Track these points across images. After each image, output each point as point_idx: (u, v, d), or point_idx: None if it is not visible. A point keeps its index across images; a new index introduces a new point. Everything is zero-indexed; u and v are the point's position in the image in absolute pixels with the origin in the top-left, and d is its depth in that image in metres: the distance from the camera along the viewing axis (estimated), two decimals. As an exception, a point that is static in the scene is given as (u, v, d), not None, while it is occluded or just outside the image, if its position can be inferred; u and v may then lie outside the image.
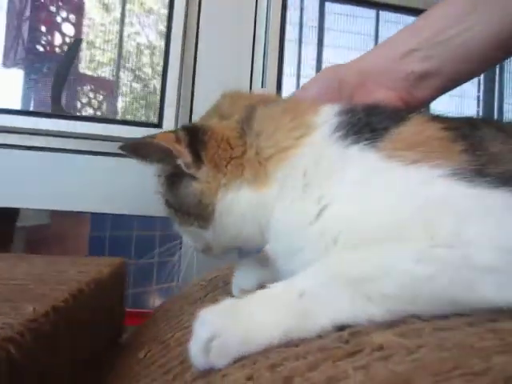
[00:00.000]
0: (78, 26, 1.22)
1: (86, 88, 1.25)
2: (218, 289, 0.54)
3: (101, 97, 1.24)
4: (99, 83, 1.22)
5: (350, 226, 0.31)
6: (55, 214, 1.36)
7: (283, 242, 0.36)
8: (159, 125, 0.83)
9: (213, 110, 0.45)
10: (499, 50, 0.47)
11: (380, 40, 1.27)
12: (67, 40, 1.23)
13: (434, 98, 0.51)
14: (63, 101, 1.13)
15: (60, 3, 1.20)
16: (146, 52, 1.23)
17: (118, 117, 1.16)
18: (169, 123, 0.82)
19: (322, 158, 0.35)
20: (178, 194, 0.41)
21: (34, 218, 1.34)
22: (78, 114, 1.18)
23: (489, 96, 1.47)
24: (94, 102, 1.25)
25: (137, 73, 1.22)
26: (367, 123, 0.36)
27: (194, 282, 0.64)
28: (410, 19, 1.19)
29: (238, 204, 0.38)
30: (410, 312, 0.27)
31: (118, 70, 1.18)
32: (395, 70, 0.46)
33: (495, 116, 1.49)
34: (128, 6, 1.16)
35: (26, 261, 0.60)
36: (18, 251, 1.21)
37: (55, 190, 0.87)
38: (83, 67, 1.21)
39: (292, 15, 1.13)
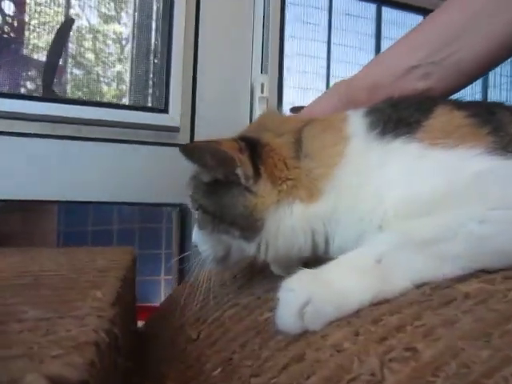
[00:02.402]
0: (19, 4, 1.13)
1: (32, 73, 1.16)
2: (244, 269, 0.56)
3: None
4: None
5: (408, 203, 0.36)
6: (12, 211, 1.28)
7: (350, 235, 0.39)
8: (165, 110, 0.82)
9: (259, 126, 0.46)
10: (485, 68, 0.55)
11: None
12: (9, 20, 1.13)
13: None
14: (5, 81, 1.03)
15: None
16: (88, 36, 1.17)
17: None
18: (175, 109, 0.81)
19: (366, 158, 0.39)
20: (222, 203, 0.41)
21: None
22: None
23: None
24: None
25: (78, 59, 1.15)
26: (399, 119, 0.40)
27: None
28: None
29: (290, 219, 0.40)
30: (475, 268, 0.32)
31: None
32: (401, 86, 0.51)
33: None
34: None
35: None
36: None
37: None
38: (29, 50, 1.11)
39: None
